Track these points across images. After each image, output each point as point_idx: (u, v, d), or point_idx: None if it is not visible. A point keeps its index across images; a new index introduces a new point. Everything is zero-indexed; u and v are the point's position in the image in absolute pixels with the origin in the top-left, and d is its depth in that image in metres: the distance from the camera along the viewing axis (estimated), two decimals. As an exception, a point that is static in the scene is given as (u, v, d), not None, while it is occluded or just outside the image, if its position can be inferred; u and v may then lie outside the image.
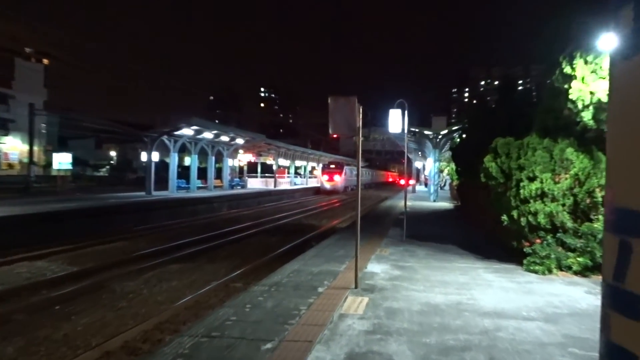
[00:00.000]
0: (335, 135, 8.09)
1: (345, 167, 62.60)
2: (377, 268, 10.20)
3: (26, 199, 26.20)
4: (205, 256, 16.15)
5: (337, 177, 60.02)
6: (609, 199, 1.89)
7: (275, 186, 51.76)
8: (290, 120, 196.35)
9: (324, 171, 61.19)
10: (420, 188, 57.34)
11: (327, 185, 59.39)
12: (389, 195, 53.51)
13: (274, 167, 55.12)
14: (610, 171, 1.89)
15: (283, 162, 58.31)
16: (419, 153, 52.91)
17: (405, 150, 16.78)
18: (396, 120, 14.24)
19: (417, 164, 61.60)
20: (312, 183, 67.86)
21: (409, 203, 28.57)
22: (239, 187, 46.58)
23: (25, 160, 50.34)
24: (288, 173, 62.36)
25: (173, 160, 34.10)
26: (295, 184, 60.23)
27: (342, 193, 60.26)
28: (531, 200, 10.23)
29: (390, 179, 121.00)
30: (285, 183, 57.82)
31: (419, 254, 12.05)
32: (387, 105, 14.70)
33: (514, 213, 10.42)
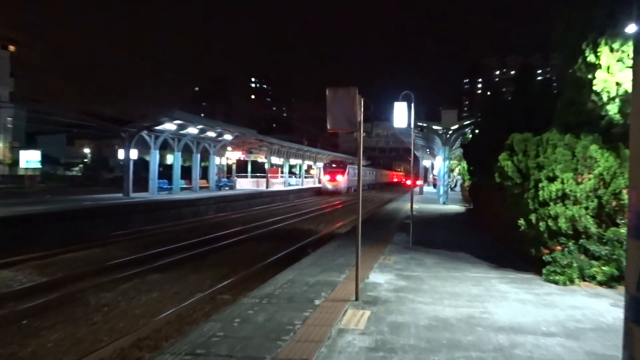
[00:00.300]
0: (334, 131, 8.11)
1: (348, 167, 63.99)
2: (380, 278, 10.23)
3: (-10, 201, 26.12)
4: (190, 265, 16.14)
5: (339, 177, 61.54)
6: (633, 201, 1.89)
7: (267, 187, 51.70)
8: (284, 114, 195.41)
9: (325, 170, 62.60)
10: (428, 189, 57.60)
11: (329, 186, 60.79)
12: (393, 197, 53.74)
13: (266, 166, 54.88)
14: (634, 171, 1.89)
15: (276, 160, 58.24)
16: (427, 150, 52.97)
17: (412, 148, 16.75)
18: (402, 114, 14.13)
19: (425, 163, 62.01)
20: (309, 184, 67.91)
21: (415, 206, 28.68)
22: (227, 188, 46.41)
23: (-11, 158, 50.33)
24: (282, 172, 62.50)
25: (154, 158, 34.01)
26: (289, 185, 60.21)
27: (344, 194, 61.37)
28: (551, 203, 10.26)
29: (396, 179, 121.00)
30: (278, 184, 57.81)
31: (426, 262, 12.09)
32: (391, 97, 14.79)
33: (532, 217, 10.46)
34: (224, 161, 51.65)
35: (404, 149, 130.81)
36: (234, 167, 55.05)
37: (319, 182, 71.29)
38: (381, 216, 24.70)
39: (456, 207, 30.41)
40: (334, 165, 62.87)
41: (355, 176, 67.85)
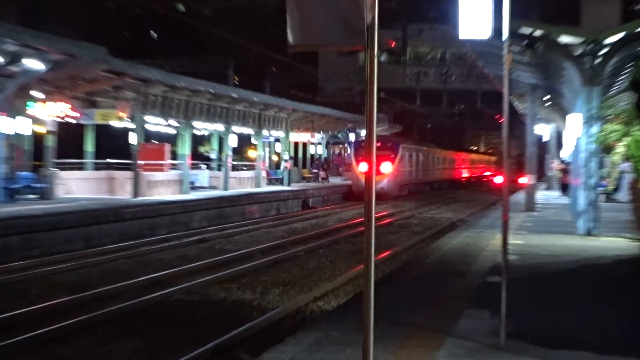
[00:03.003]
0: (302, 49, 3.75)
1: (401, 148, 45.62)
2: None
3: None
4: None
5: (386, 167, 43.45)
6: None
7: (136, 192, 26.73)
8: (179, 13, 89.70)
9: (359, 156, 43.85)
10: (547, 194, 36.59)
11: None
12: (461, 215, 34.44)
13: (133, 140, 27.92)
14: None
15: (159, 124, 31.14)
16: (545, 100, 30.07)
17: (505, 93, 7.46)
18: (477, 8, 7.34)
19: (541, 131, 36.92)
20: (246, 185, 36.98)
21: (517, 240, 16.85)
22: (34, 196, 24.13)
23: None
24: (176, 157, 32.79)
25: None
26: (195, 184, 32.82)
27: (392, 198, 42.67)
28: None
29: (466, 173, 71.88)
30: (164, 183, 29.58)
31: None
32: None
33: None
34: (25, 128, 24.39)
35: (487, 96, 65.45)
36: (50, 142, 25.39)
37: (340, 174, 50.39)
38: (432, 264, 14.04)
39: (621, 243, 16.79)
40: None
41: (412, 166, 48.29)
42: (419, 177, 53.80)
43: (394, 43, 53.37)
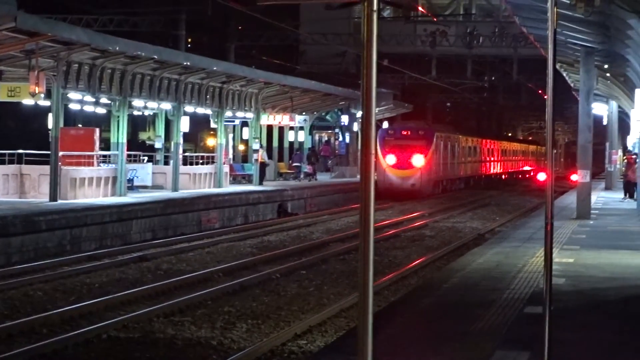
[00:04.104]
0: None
1: (435, 137, 51.76)
2: None
3: None
4: None
5: (417, 160, 49.88)
6: None
7: (56, 194, 27.29)
8: None
9: (386, 146, 50.22)
10: (606, 197, 38.73)
11: (396, 178, 48.77)
12: (491, 221, 37.39)
13: (53, 122, 28.27)
14: None
15: (81, 98, 31.36)
16: (602, 70, 30.84)
17: (550, 60, 7.77)
18: None
19: (599, 110, 39.07)
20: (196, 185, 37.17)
21: (567, 257, 18.12)
22: None
23: None
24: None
25: None
26: (135, 182, 34.07)
27: (425, 197, 49.36)
28: None
29: (497, 168, 77.67)
30: (93, 183, 30.03)
31: None
32: None
33: None
34: None
35: (525, 64, 68.40)
36: None
37: (329, 169, 56.21)
38: (450, 289, 15.08)
39: None
40: (404, 134, 50.48)
41: (448, 159, 54.73)
42: (454, 171, 60.52)
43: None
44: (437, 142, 51.90)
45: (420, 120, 61.58)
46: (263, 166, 43.49)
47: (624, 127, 47.33)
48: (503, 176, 76.82)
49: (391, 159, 49.19)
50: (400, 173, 49.32)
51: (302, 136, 55.96)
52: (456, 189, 60.53)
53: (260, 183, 42.07)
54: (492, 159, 74.30)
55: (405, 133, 51.36)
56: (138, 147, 42.97)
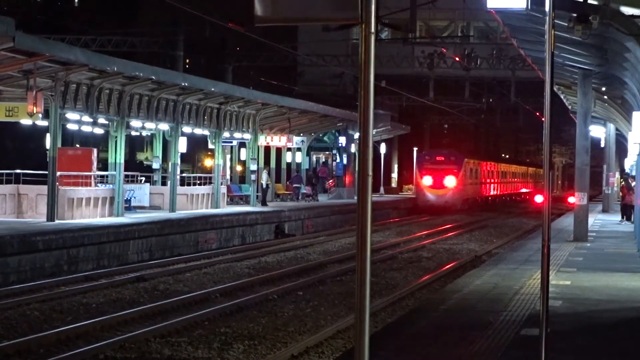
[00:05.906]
0: (267, 23, 3.80)
1: (465, 162, 60.38)
2: None
3: None
4: None
5: (449, 181, 58.69)
6: None
7: (53, 214, 27.48)
8: None
9: (423, 168, 59.81)
10: (603, 219, 38.75)
11: (432, 195, 57.69)
12: (488, 243, 37.21)
13: (51, 142, 28.15)
14: None
15: (79, 118, 31.27)
16: (599, 93, 31.14)
17: (547, 82, 8.73)
18: None
19: (596, 132, 39.08)
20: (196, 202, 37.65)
21: (564, 279, 18.48)
22: None
23: None
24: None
25: None
26: (132, 202, 34.73)
27: (455, 212, 57.18)
28: None
29: (494, 190, 78.79)
30: (90, 203, 29.96)
31: None
32: None
33: None
34: None
35: (523, 87, 67.43)
36: None
37: (327, 190, 58.73)
38: (447, 311, 15.08)
39: None
40: (438, 159, 58.79)
41: (472, 180, 64.20)
42: (477, 191, 70.44)
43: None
44: (466, 166, 60.97)
45: (452, 148, 70.79)
46: (266, 188, 43.25)
47: (621, 149, 47.38)
48: (486, 198, 78.46)
49: (428, 180, 58.95)
50: (436, 192, 58.40)
51: (299, 157, 55.75)
52: (477, 205, 68.68)
53: (264, 204, 41.79)
54: (505, 180, 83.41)
55: (439, 158, 60.52)
56: (136, 168, 42.90)
